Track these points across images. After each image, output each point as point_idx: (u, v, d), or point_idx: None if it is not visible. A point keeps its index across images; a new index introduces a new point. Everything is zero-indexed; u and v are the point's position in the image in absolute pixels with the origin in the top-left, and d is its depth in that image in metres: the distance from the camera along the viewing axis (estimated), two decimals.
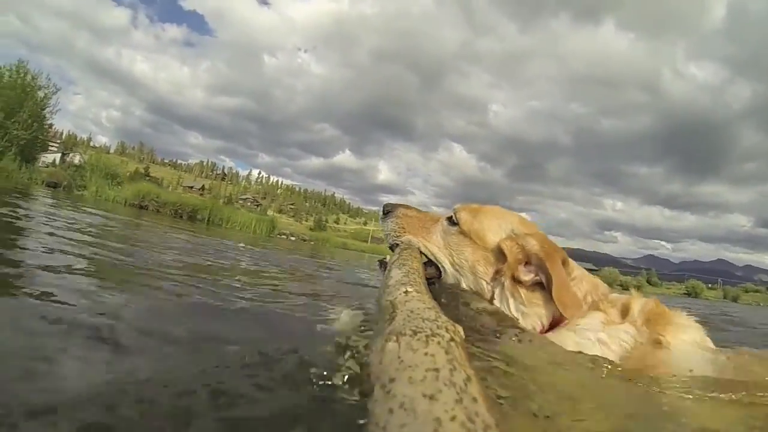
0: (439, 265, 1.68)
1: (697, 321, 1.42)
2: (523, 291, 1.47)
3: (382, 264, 1.76)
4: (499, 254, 1.54)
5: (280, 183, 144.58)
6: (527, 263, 1.48)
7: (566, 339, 1.35)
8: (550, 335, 1.39)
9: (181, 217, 18.98)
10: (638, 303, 1.43)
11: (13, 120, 16.32)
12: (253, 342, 1.41)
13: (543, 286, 1.45)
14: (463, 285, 1.60)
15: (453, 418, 0.54)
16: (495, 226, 1.62)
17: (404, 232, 1.77)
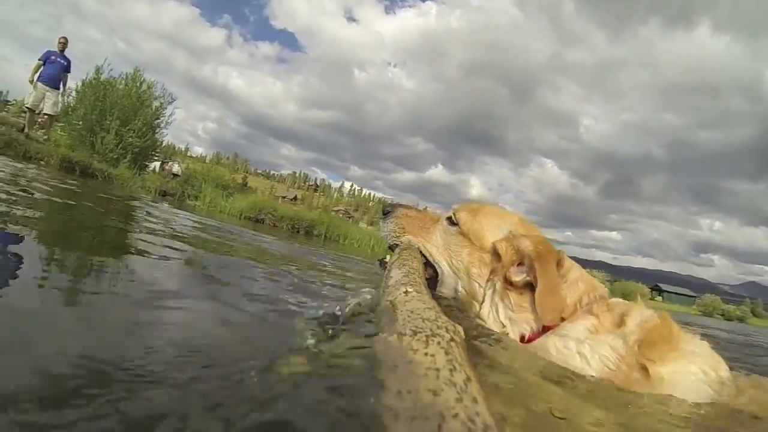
0: (436, 267, 1.65)
1: (712, 348, 1.25)
2: (513, 295, 1.43)
3: (382, 263, 1.72)
4: (495, 255, 1.51)
5: (371, 196, 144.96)
6: (520, 264, 1.44)
7: (549, 346, 1.30)
8: (534, 342, 1.35)
9: (298, 231, 17.31)
10: (638, 315, 1.28)
11: (128, 128, 14.95)
12: None
13: (533, 288, 1.40)
14: (459, 287, 1.57)
15: (455, 416, 0.54)
16: (494, 227, 1.59)
17: (404, 232, 1.75)
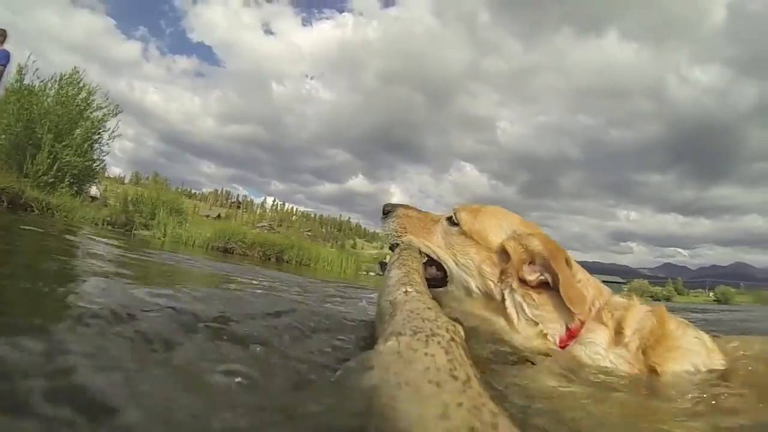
0: (444, 265, 1.65)
1: (706, 338, 1.38)
2: (534, 295, 1.44)
3: (383, 266, 1.71)
4: (503, 254, 1.53)
5: (294, 209, 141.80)
6: (531, 263, 1.46)
7: (581, 353, 1.34)
8: (567, 349, 1.38)
9: (269, 259, 15.39)
10: (634, 319, 1.37)
11: (63, 144, 12.26)
12: None
13: (548, 287, 1.43)
14: (472, 286, 1.57)
15: (459, 405, 0.54)
16: (496, 227, 1.60)
17: (405, 232, 1.75)
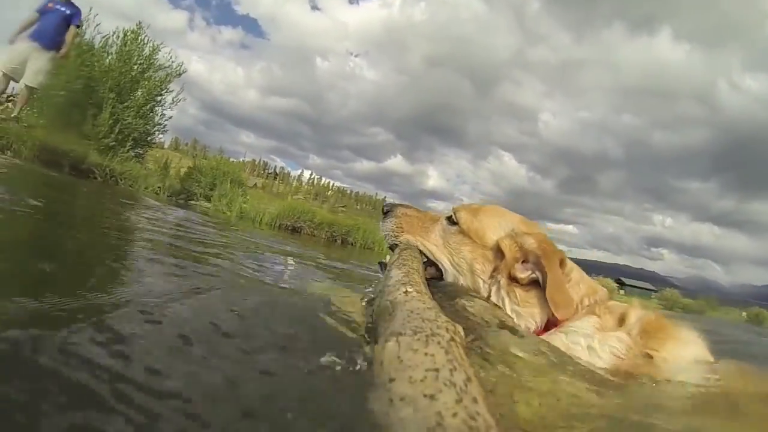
0: (438, 264, 1.64)
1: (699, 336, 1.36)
2: (518, 290, 1.43)
3: (382, 265, 1.70)
4: (498, 252, 1.50)
5: (330, 184, 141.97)
6: (525, 261, 1.44)
7: (556, 342, 1.31)
8: (542, 337, 1.36)
9: (335, 241, 15.12)
10: (636, 313, 1.36)
11: (125, 105, 11.61)
12: None
13: (539, 285, 1.41)
14: (461, 283, 1.56)
15: (454, 415, 0.54)
16: (495, 225, 1.58)
17: (403, 232, 1.73)
